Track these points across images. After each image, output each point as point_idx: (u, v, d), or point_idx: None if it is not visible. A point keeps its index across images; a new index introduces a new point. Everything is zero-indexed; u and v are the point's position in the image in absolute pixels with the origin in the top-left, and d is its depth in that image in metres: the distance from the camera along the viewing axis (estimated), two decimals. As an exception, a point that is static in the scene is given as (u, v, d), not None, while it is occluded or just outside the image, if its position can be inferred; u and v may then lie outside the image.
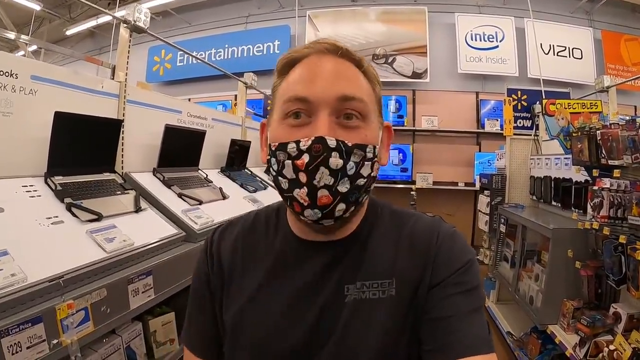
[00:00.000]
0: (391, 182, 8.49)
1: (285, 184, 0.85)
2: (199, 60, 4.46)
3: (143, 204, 2.30)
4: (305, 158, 0.80)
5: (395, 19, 9.09)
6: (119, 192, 2.28)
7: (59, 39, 11.44)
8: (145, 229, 2.12)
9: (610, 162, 3.10)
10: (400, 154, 8.49)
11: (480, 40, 8.82)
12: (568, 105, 4.73)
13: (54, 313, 1.40)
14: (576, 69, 8.79)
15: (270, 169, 0.89)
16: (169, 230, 2.24)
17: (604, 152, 3.16)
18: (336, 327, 0.88)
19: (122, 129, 2.53)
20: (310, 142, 0.80)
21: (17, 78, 1.98)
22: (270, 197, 3.61)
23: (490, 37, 8.83)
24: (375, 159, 0.88)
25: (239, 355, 0.96)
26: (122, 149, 2.60)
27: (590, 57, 9.00)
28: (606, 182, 3.02)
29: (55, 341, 1.40)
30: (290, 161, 0.82)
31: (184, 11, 10.28)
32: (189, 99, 9.60)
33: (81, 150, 2.23)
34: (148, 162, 2.82)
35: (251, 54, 9.65)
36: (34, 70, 2.09)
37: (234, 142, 3.79)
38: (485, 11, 9.17)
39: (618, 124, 3.10)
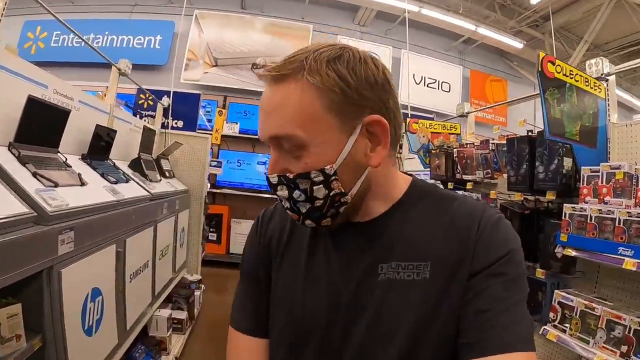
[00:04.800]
0: (257, 192, 8.70)
1: None
2: (78, 44, 4.18)
3: (-10, 177, 2.01)
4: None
5: (281, 31, 9.36)
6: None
7: None
8: (-11, 204, 1.83)
9: (465, 177, 3.49)
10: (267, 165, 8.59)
11: (358, 64, 9.25)
12: (430, 125, 5.10)
13: None
14: (443, 100, 9.58)
15: None
16: (18, 208, 1.98)
17: (459, 168, 3.55)
18: (370, 304, 0.91)
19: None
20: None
21: None
22: (131, 190, 3.44)
23: (367, 61, 9.30)
24: (332, 178, 0.86)
25: (280, 326, 1.03)
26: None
27: (457, 91, 9.99)
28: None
29: None
30: None
31: (69, -13, 9.39)
32: (56, 86, 8.94)
33: None
34: (2, 135, 2.49)
35: (130, 45, 9.24)
36: None
37: (99, 128, 3.51)
38: (367, 37, 9.68)
39: (473, 143, 3.48)
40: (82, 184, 2.82)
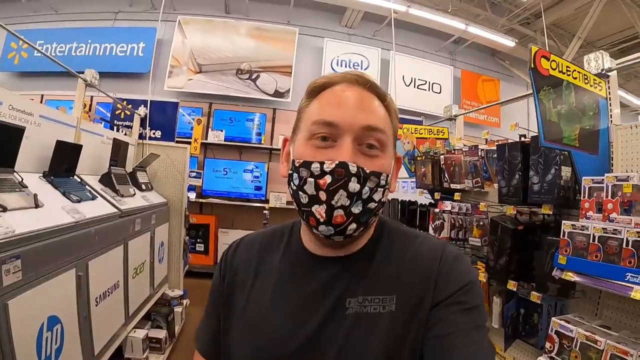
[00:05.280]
0: (245, 200, 8.47)
1: (304, 199, 0.91)
2: (61, 53, 3.94)
3: None
4: (328, 179, 0.88)
5: (266, 36, 9.16)
6: None
7: None
8: None
9: (453, 186, 3.26)
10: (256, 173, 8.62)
11: (346, 67, 9.18)
12: (415, 130, 4.88)
13: None
14: (434, 101, 9.47)
15: (291, 183, 0.95)
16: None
17: (446, 176, 3.33)
18: (337, 338, 0.92)
19: None
20: (334, 165, 0.88)
21: None
22: (97, 208, 3.22)
23: (356, 64, 9.20)
24: (387, 186, 0.95)
25: (245, 357, 1.00)
26: None
27: (448, 92, 9.85)
28: (447, 205, 3.13)
29: None
30: (312, 179, 0.89)
31: (52, -4, 9.12)
32: (42, 96, 8.62)
33: None
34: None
35: (113, 53, 8.92)
36: None
37: (60, 145, 3.28)
38: (355, 40, 9.52)
39: (462, 149, 3.25)
40: (37, 206, 2.61)
